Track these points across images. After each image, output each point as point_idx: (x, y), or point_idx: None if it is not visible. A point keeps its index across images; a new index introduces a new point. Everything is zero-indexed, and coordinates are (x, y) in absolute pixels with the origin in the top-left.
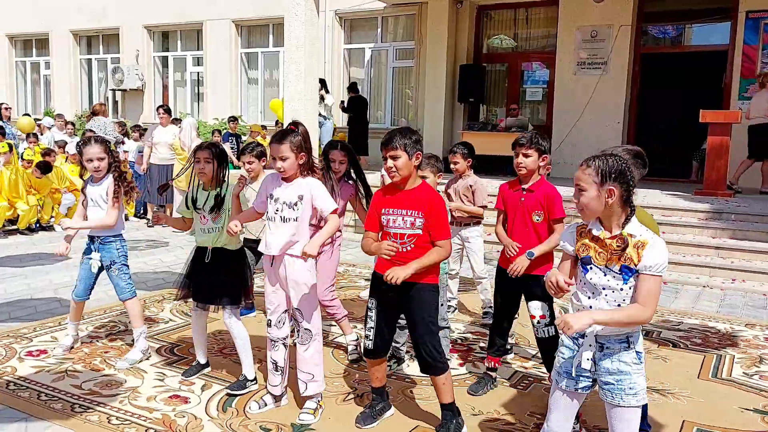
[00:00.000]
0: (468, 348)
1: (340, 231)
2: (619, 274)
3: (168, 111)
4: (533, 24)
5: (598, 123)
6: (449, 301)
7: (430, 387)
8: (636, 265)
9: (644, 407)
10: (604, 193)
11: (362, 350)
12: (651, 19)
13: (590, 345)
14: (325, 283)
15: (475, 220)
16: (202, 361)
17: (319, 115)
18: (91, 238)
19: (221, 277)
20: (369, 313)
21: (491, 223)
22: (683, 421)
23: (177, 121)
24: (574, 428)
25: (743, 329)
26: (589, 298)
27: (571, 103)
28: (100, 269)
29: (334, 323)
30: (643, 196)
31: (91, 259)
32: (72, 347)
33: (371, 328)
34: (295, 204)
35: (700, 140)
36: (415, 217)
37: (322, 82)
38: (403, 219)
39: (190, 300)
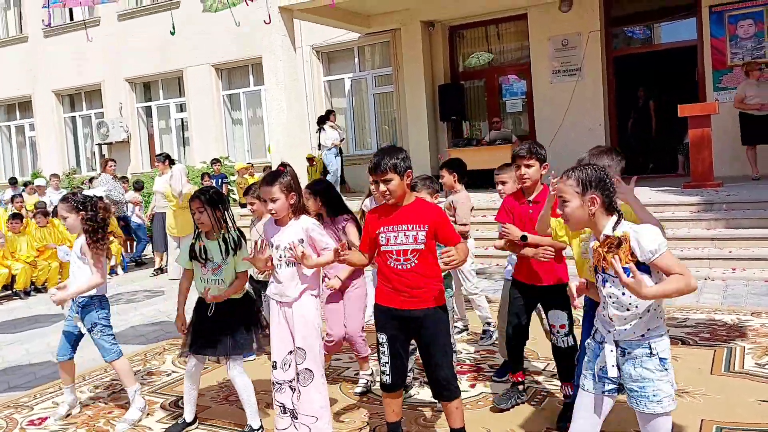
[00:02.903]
0: (477, 368)
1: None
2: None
3: (163, 159)
4: (505, 39)
5: (579, 128)
6: (456, 322)
7: (442, 413)
8: (629, 263)
9: None
10: (587, 201)
11: (380, 385)
12: (619, 23)
13: (611, 350)
14: (356, 320)
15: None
16: (189, 418)
17: (326, 147)
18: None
19: (224, 326)
20: (381, 348)
21: (478, 236)
22: (702, 421)
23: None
24: None
25: (750, 318)
26: (606, 307)
27: (551, 111)
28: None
29: (339, 357)
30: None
31: (71, 318)
32: (69, 414)
33: (386, 363)
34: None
35: (682, 134)
36: (418, 230)
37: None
38: (405, 234)
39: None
